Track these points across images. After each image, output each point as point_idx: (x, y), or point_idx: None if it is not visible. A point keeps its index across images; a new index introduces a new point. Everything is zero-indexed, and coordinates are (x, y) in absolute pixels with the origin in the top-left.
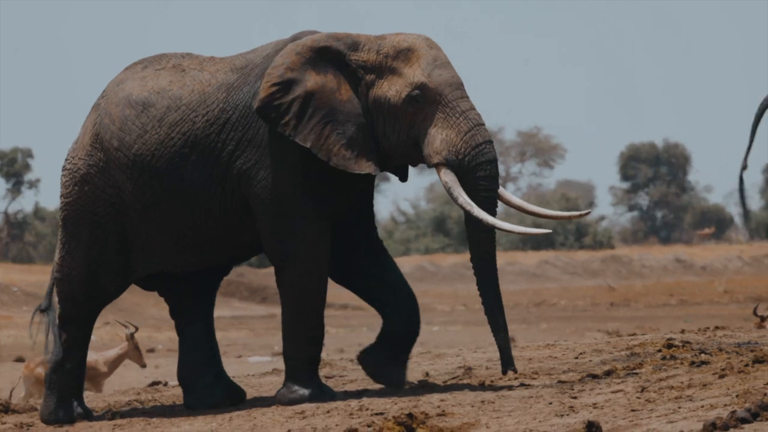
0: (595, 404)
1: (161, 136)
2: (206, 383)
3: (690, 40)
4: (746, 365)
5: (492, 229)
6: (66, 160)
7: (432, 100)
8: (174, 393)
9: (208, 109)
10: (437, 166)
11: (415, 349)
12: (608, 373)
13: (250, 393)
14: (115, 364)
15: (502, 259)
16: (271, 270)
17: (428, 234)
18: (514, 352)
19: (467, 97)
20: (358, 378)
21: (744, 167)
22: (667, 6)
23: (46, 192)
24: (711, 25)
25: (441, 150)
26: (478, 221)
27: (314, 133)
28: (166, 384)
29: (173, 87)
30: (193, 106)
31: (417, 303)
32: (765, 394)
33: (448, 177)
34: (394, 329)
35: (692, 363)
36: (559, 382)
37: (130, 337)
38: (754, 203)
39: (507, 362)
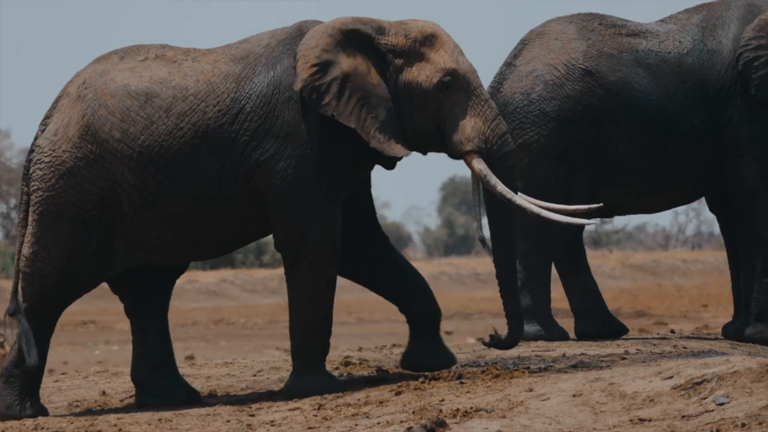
0: (272, 422)
1: (169, 127)
2: (166, 384)
3: None
4: (422, 382)
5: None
6: (41, 153)
7: (460, 87)
8: None
9: (219, 99)
10: (469, 153)
11: (92, 368)
12: (282, 394)
13: None
14: None
15: (181, 278)
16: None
17: None
18: (192, 370)
19: (482, 84)
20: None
21: (481, 239)
22: None
23: None
24: None
25: (473, 137)
26: (521, 210)
27: (354, 115)
28: None
29: (175, 77)
30: (201, 96)
31: (425, 280)
32: (440, 411)
33: (482, 165)
34: (417, 316)
35: (369, 380)
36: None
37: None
38: (432, 221)
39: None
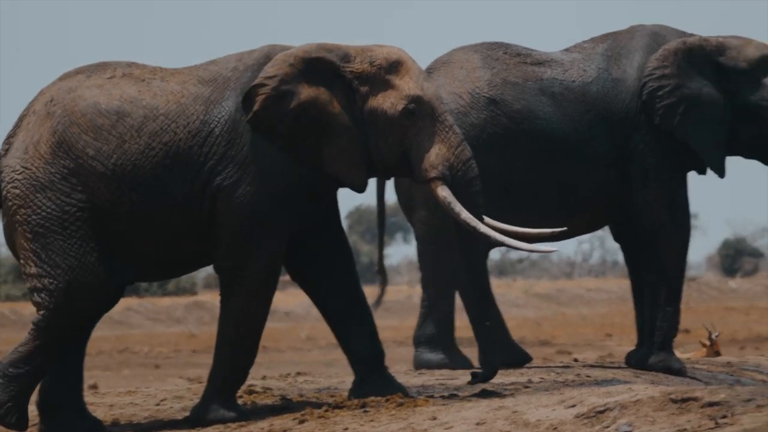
0: None
1: (141, 147)
2: (70, 413)
3: None
4: (326, 411)
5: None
6: (13, 171)
7: (425, 114)
8: None
9: (188, 121)
10: (433, 180)
11: None
12: (188, 420)
13: None
14: None
15: None
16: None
17: (9, 281)
18: (95, 399)
19: (447, 110)
20: None
21: (378, 271)
22: None
23: None
24: None
25: (437, 164)
26: (485, 237)
27: (307, 146)
28: None
29: (145, 96)
30: (172, 116)
31: (373, 320)
32: None
33: (446, 192)
34: (360, 358)
35: (273, 409)
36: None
37: None
38: None
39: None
